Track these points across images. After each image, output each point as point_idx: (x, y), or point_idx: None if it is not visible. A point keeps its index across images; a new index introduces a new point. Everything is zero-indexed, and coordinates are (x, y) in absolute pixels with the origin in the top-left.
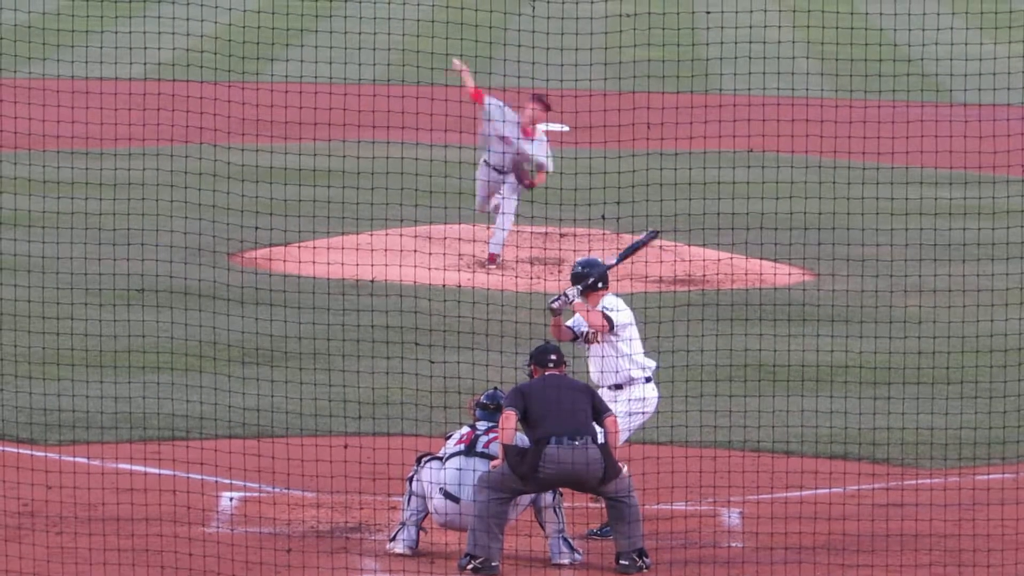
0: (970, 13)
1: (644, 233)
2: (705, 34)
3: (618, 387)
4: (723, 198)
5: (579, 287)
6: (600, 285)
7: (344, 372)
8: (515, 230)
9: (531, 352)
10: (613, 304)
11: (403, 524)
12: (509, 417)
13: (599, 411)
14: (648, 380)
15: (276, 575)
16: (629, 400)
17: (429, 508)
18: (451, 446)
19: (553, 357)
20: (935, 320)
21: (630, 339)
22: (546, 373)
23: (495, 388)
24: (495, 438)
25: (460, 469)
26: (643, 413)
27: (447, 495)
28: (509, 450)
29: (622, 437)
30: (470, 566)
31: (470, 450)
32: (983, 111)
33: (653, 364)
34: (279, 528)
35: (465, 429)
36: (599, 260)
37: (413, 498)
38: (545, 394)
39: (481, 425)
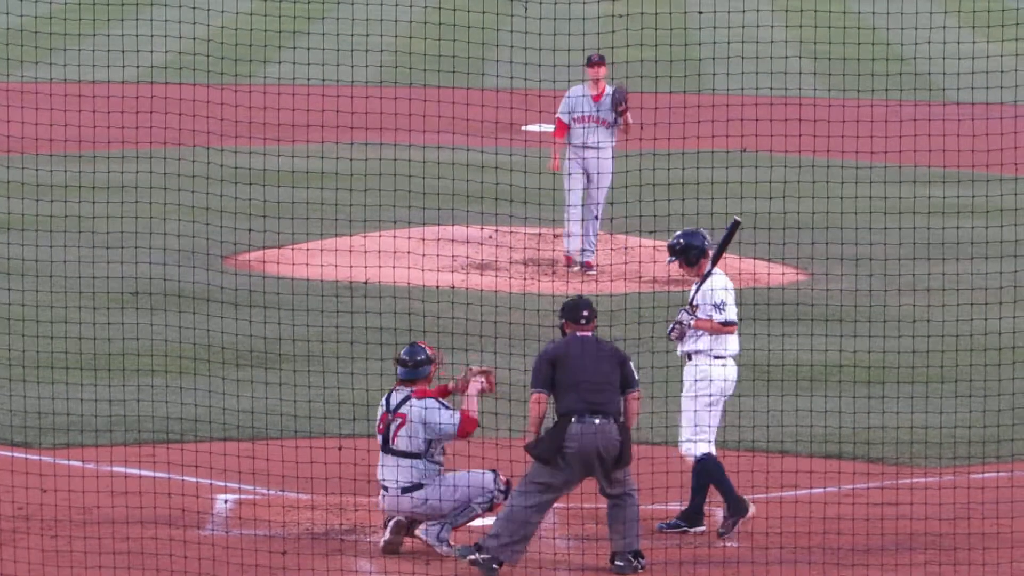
0: (962, 12)
1: (730, 228)
2: (697, 34)
3: (688, 355)
4: (716, 198)
5: (697, 281)
6: (701, 258)
7: (338, 374)
8: (520, 231)
9: (563, 305)
10: (722, 284)
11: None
12: (541, 401)
13: (627, 383)
14: (717, 358)
15: None
16: (696, 367)
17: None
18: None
19: (585, 313)
20: (928, 319)
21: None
22: (578, 334)
23: (414, 342)
24: (401, 424)
25: (382, 465)
26: (709, 395)
27: (381, 484)
28: (531, 444)
29: (688, 408)
30: (471, 556)
31: (385, 445)
32: (976, 110)
33: (734, 349)
34: (274, 530)
35: (380, 408)
36: (700, 231)
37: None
38: (571, 364)
39: (397, 394)
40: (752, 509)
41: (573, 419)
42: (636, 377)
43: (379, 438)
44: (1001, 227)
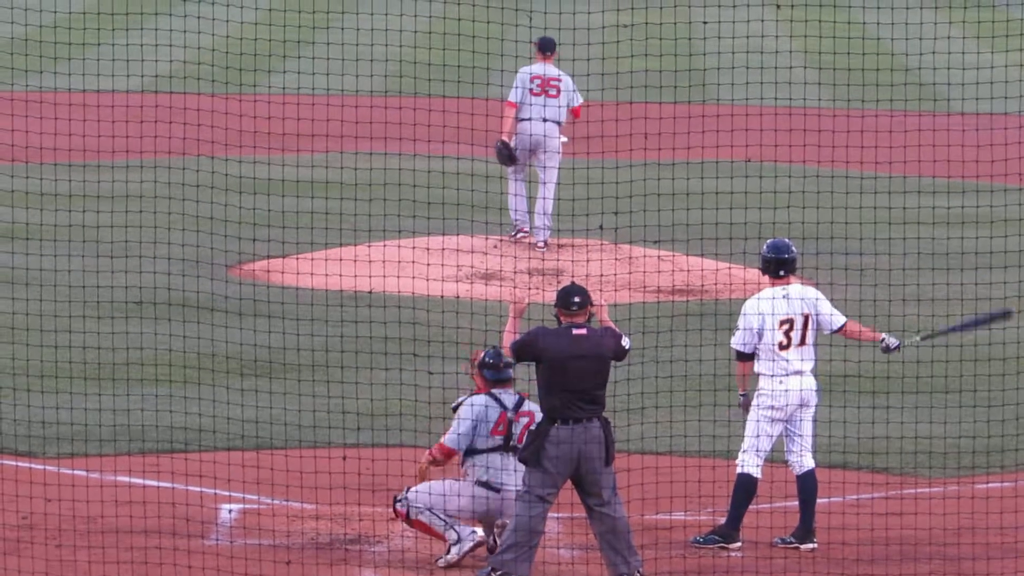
0: (967, 22)
1: (998, 311)
2: (703, 44)
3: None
4: (721, 208)
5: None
6: (781, 273)
7: (343, 384)
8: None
9: (556, 293)
10: (750, 308)
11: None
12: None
13: (616, 359)
14: (773, 376)
15: None
16: (758, 390)
17: (457, 508)
18: (482, 433)
19: (576, 299)
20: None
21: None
22: (574, 331)
23: (494, 346)
24: (530, 422)
25: (501, 469)
26: (757, 410)
27: (487, 486)
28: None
29: (750, 428)
30: None
31: (506, 444)
32: (980, 120)
33: (793, 368)
34: (279, 540)
35: (492, 410)
36: (784, 245)
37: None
38: (562, 369)
39: (507, 398)
40: (738, 545)
41: (557, 422)
42: (628, 348)
43: (490, 441)
44: (1006, 237)
